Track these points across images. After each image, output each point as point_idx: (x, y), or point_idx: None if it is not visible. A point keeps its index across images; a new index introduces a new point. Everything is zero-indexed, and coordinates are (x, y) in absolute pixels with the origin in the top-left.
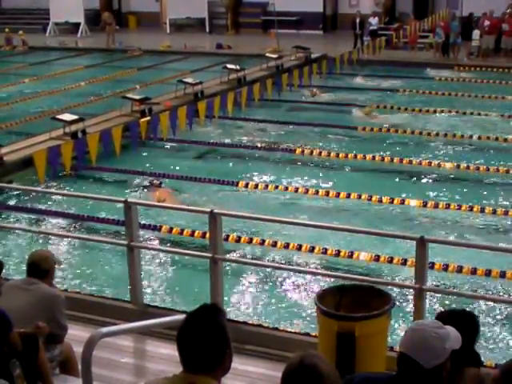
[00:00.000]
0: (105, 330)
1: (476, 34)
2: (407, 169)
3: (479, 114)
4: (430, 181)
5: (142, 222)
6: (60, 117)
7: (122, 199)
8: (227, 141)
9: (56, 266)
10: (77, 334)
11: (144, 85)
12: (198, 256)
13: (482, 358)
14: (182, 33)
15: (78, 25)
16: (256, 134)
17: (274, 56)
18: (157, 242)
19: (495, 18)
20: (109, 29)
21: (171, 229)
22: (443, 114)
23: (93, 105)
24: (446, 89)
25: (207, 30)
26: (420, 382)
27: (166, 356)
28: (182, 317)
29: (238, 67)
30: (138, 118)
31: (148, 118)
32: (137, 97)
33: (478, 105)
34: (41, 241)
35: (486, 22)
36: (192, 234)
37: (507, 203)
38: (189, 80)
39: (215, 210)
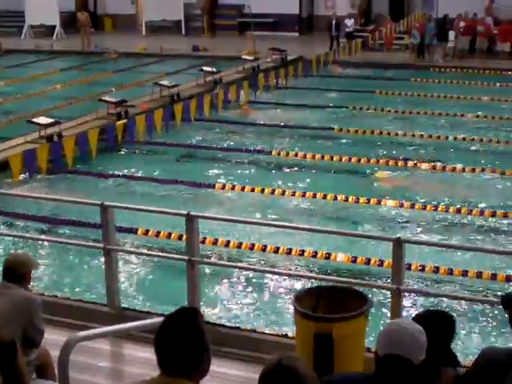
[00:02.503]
0: (81, 333)
1: (451, 35)
2: (383, 170)
3: (455, 115)
4: (407, 182)
5: (119, 224)
6: (36, 120)
7: (99, 202)
8: (204, 143)
9: (33, 270)
10: (53, 338)
11: (120, 87)
12: (175, 259)
13: (459, 358)
14: (158, 35)
15: (53, 27)
16: (232, 135)
17: (250, 58)
18: (133, 244)
19: (470, 20)
20: (84, 31)
21: (147, 231)
22: (419, 114)
23: (69, 108)
24: (421, 90)
25: (183, 32)
26: (405, 380)
27: (143, 359)
28: (159, 320)
29: (214, 69)
30: (114, 120)
31: (124, 120)
32: (113, 99)
33: (453, 105)
34: (16, 244)
35: (461, 24)
36: (169, 237)
37: (484, 204)
38: (165, 82)
39: (192, 213)
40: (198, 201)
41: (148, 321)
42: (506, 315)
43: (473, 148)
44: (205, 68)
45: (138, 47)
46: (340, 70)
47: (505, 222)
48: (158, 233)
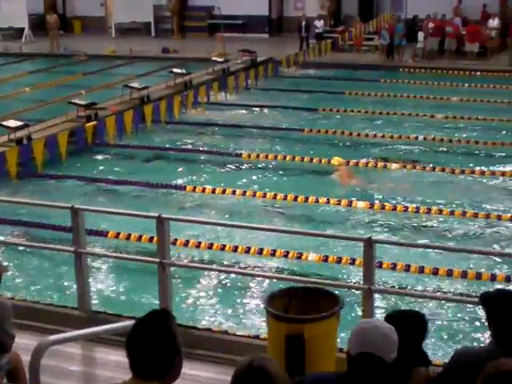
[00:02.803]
0: (52, 337)
1: (420, 36)
2: (354, 171)
3: (424, 115)
4: (375, 183)
5: (89, 227)
6: (4, 123)
7: (69, 205)
8: (174, 145)
9: (2, 273)
10: (24, 343)
11: (90, 90)
12: (146, 261)
13: (430, 357)
14: (128, 37)
15: (22, 30)
16: (203, 137)
17: (220, 60)
18: (104, 247)
19: (439, 20)
20: (53, 34)
21: (118, 234)
22: (389, 115)
23: (38, 111)
24: (391, 90)
25: (153, 34)
26: (378, 378)
27: (115, 363)
28: (131, 323)
29: (184, 71)
30: (84, 123)
31: (94, 123)
32: (82, 102)
33: (422, 106)
34: None
35: (430, 25)
36: (139, 239)
37: (453, 204)
38: (135, 85)
39: (163, 215)
40: (169, 203)
41: (119, 324)
42: (484, 313)
43: (442, 148)
44: (175, 70)
45: (108, 49)
46: (300, 71)
47: (474, 221)
48: (129, 235)
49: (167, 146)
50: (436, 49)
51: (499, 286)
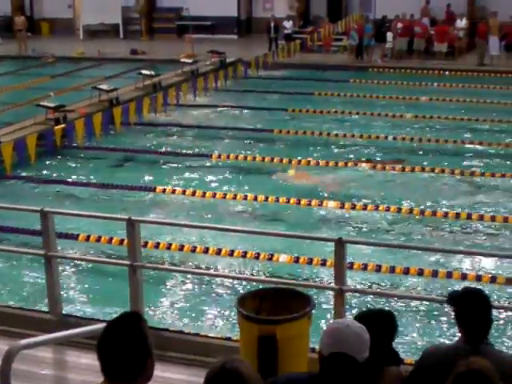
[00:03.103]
0: (23, 342)
1: (389, 36)
2: (322, 171)
3: (394, 115)
4: (346, 182)
5: (59, 230)
6: None
7: (38, 208)
8: (143, 147)
9: None
10: None
11: (58, 92)
12: (117, 264)
13: (401, 356)
14: (96, 39)
15: None
16: (172, 139)
17: (189, 61)
18: (74, 250)
19: (408, 21)
20: (20, 35)
21: (88, 237)
22: (358, 115)
23: (6, 113)
24: (360, 91)
25: (121, 35)
26: (350, 378)
27: (86, 366)
28: (102, 326)
29: (152, 73)
30: (53, 125)
31: (63, 125)
32: (51, 104)
33: (392, 106)
34: None
35: (399, 25)
36: (110, 242)
37: (422, 204)
38: (103, 87)
39: (133, 217)
40: (139, 205)
41: (90, 327)
42: (453, 312)
43: (412, 148)
44: (143, 71)
45: (76, 51)
46: (269, 72)
47: (445, 220)
48: (99, 238)
49: (137, 147)
50: (405, 49)
51: (469, 285)
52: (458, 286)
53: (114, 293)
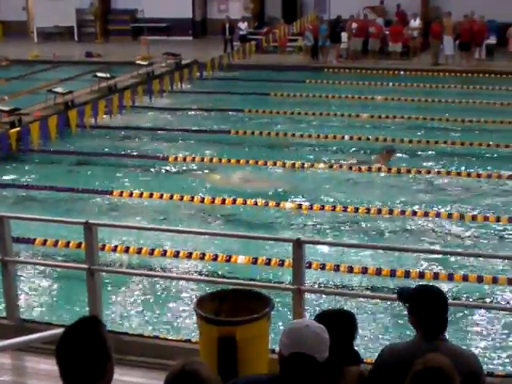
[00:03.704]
0: None
1: (344, 36)
2: (279, 172)
3: (350, 115)
4: (300, 183)
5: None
6: None
7: None
8: (99, 149)
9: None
10: None
11: (13, 95)
12: (75, 268)
13: (361, 355)
14: (51, 42)
15: None
16: (128, 141)
17: (145, 63)
18: (31, 255)
19: (362, 21)
20: None
21: (45, 241)
22: (314, 115)
23: None
24: (316, 91)
25: (76, 38)
26: (310, 378)
27: (45, 371)
28: (60, 331)
29: (108, 75)
30: (8, 129)
31: (18, 128)
32: (5, 108)
33: (348, 106)
34: None
35: (354, 25)
36: (67, 245)
37: (379, 203)
38: (59, 89)
39: (90, 221)
40: (96, 208)
41: (49, 332)
42: (405, 308)
43: (368, 147)
44: (99, 74)
45: (31, 54)
46: (225, 73)
47: (401, 219)
48: (57, 242)
49: (93, 150)
50: (360, 49)
51: (426, 283)
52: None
53: (72, 297)
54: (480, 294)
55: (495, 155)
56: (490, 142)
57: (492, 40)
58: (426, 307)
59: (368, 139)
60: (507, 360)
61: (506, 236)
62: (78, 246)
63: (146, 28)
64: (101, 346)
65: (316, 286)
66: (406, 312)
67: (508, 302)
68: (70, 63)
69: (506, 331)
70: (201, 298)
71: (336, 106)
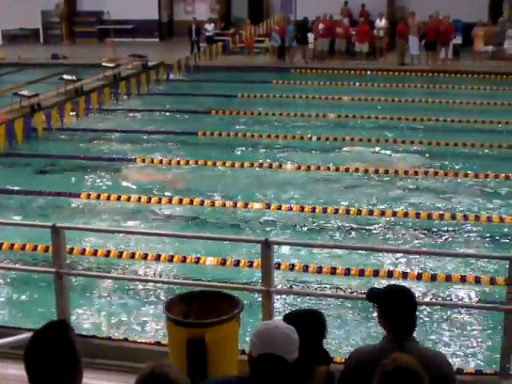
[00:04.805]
0: None
1: (311, 37)
2: (247, 173)
3: (317, 116)
4: (271, 184)
5: None
6: None
7: None
8: (66, 152)
9: None
10: None
11: None
12: (42, 272)
13: (331, 355)
14: (16, 44)
15: None
16: (95, 144)
17: (111, 65)
18: None
19: (329, 21)
20: None
21: (12, 245)
22: (281, 116)
23: None
24: (283, 92)
25: (41, 40)
26: (280, 379)
27: (13, 377)
28: (28, 335)
29: (74, 78)
30: None
31: None
32: None
33: (315, 106)
34: None
35: (320, 26)
36: (35, 249)
37: (346, 202)
38: (24, 92)
39: (57, 224)
40: (64, 211)
41: (17, 337)
42: (375, 308)
43: (335, 147)
44: (65, 76)
45: None
46: (192, 75)
47: (370, 219)
48: (24, 246)
49: (59, 153)
50: (326, 49)
51: (395, 283)
52: (383, 284)
53: (40, 301)
54: (448, 292)
55: (461, 154)
56: (456, 141)
57: (458, 40)
58: (396, 307)
59: (335, 139)
60: (476, 356)
61: (473, 234)
62: (46, 249)
63: (113, 30)
64: (69, 350)
65: (285, 287)
66: (375, 312)
67: (472, 299)
68: (35, 66)
69: (473, 328)
70: (169, 301)
71: (303, 106)
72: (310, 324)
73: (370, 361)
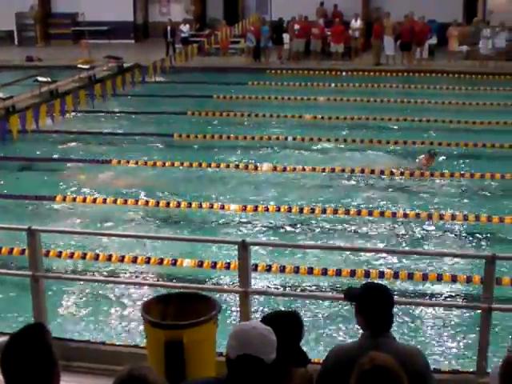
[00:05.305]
0: None
1: (286, 37)
2: (224, 174)
3: (293, 117)
4: (247, 184)
5: None
6: None
7: None
8: (42, 155)
9: None
10: None
11: None
12: (18, 275)
13: (309, 356)
14: None
15: None
16: (71, 146)
17: (86, 67)
18: None
19: (305, 22)
20: None
21: None
22: (257, 117)
23: None
24: (259, 93)
25: (16, 42)
26: (258, 380)
27: None
28: (5, 339)
29: (49, 80)
30: None
31: None
32: None
33: (291, 107)
34: None
35: (296, 26)
36: (11, 252)
37: (322, 202)
38: None
39: (33, 227)
40: (39, 214)
41: None
42: (352, 307)
43: (313, 148)
44: (40, 78)
45: None
46: (167, 77)
47: (346, 219)
48: (0, 249)
49: (35, 155)
50: (302, 50)
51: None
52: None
53: (16, 304)
54: (424, 290)
55: (437, 153)
56: (432, 141)
57: (433, 40)
58: (373, 305)
59: (311, 140)
60: (452, 355)
61: (449, 233)
62: (22, 252)
63: (87, 31)
64: (46, 353)
65: (262, 288)
66: (353, 311)
67: (448, 298)
68: (10, 68)
69: (450, 327)
70: (147, 303)
71: (279, 106)
72: (287, 325)
73: (349, 359)
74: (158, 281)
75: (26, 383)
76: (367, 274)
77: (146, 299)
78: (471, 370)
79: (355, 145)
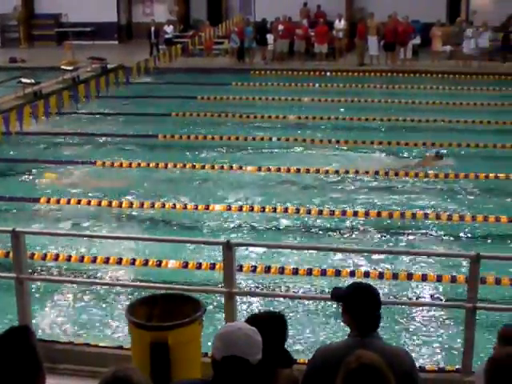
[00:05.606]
0: None
1: (270, 38)
2: (208, 175)
3: (277, 117)
4: (232, 185)
5: None
6: None
7: None
8: (26, 156)
9: None
10: None
11: None
12: (2, 277)
13: (294, 357)
14: None
15: None
16: (55, 147)
17: (70, 68)
18: None
19: (289, 23)
20: None
21: None
22: (241, 118)
23: None
24: (243, 93)
25: None
26: (244, 381)
27: None
28: None
29: (33, 81)
30: None
31: None
32: None
33: (275, 107)
34: None
35: (280, 27)
36: None
37: (307, 203)
38: None
39: (17, 229)
40: (24, 216)
41: None
42: (339, 307)
43: (296, 148)
44: (23, 80)
45: None
46: (151, 77)
47: (331, 219)
48: None
49: (18, 157)
50: (286, 51)
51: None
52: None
53: (0, 307)
54: (409, 290)
55: (421, 153)
56: (416, 141)
57: (417, 40)
58: (359, 303)
59: (295, 140)
60: (438, 354)
61: (434, 233)
62: (7, 255)
63: (71, 32)
64: (31, 356)
65: (247, 288)
66: (339, 312)
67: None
68: None
69: (435, 326)
70: (131, 304)
71: (263, 107)
72: (271, 326)
73: (335, 359)
74: (143, 282)
75: None
76: (352, 274)
77: (131, 300)
78: (457, 367)
79: (340, 145)
